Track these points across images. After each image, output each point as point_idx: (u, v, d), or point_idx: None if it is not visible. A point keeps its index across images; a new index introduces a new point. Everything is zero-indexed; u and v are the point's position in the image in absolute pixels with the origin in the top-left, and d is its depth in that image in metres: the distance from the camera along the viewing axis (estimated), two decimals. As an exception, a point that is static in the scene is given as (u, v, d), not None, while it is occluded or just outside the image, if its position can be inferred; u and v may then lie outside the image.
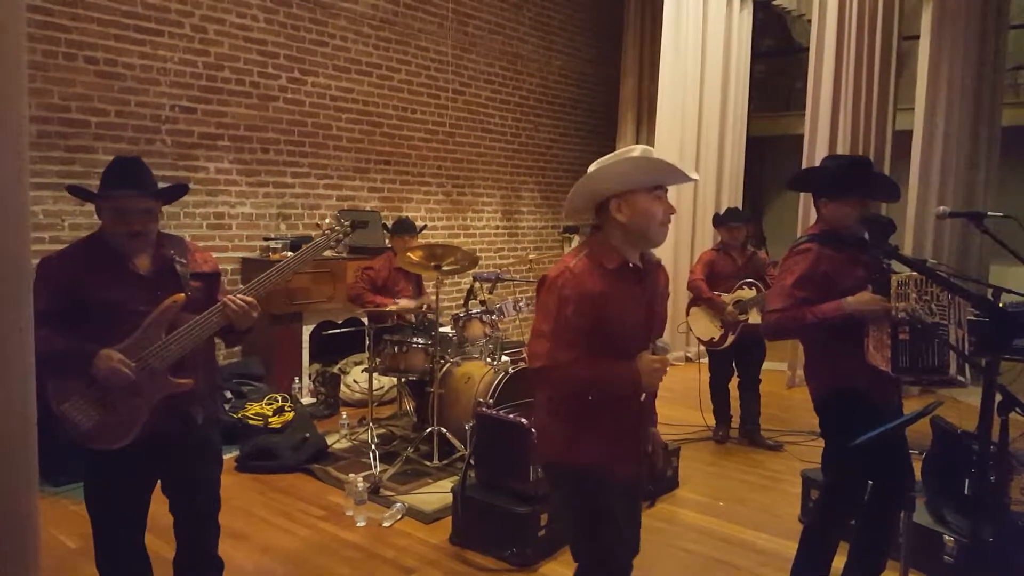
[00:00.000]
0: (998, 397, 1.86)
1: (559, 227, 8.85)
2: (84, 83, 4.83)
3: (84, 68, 4.82)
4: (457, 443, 4.31)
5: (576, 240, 8.38)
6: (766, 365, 5.12)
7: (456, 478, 3.69)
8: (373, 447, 4.36)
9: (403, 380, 5.00)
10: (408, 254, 4.53)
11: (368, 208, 6.63)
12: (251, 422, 4.76)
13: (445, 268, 4.52)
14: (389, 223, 5.41)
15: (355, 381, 5.85)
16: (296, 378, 5.58)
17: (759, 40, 8.83)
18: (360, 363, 5.93)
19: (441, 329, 4.64)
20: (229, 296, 2.25)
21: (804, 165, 6.41)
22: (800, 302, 2.51)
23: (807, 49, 7.03)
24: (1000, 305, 2.09)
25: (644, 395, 2.08)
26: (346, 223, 2.51)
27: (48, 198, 4.64)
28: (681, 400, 5.45)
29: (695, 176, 2.05)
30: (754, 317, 4.73)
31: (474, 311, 4.87)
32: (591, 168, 2.02)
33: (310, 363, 5.82)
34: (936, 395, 4.94)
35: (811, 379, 2.72)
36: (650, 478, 2.28)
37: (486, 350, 4.72)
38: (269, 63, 5.85)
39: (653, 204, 1.99)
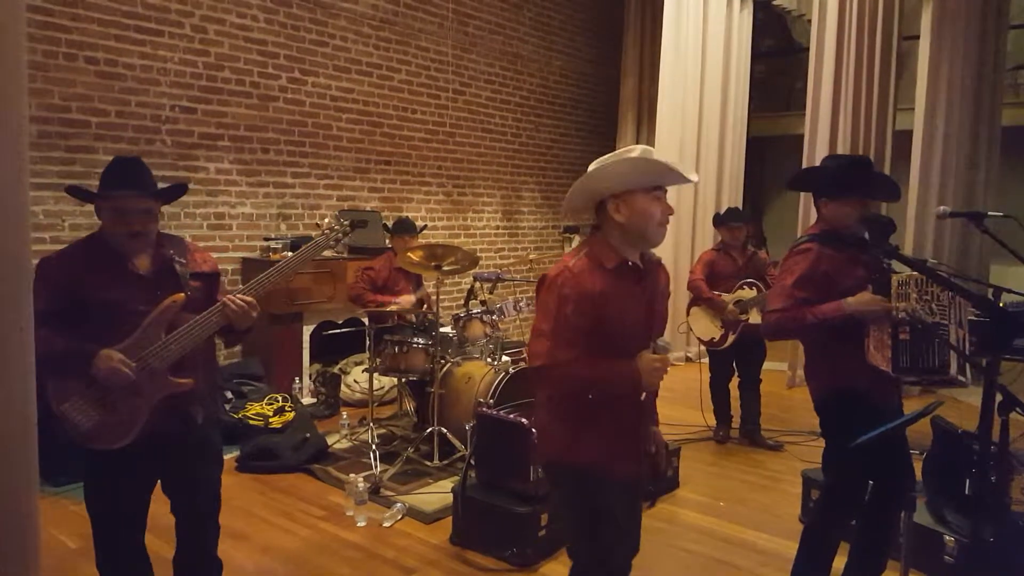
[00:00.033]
0: (998, 397, 1.86)
1: (559, 227, 8.85)
2: (84, 83, 4.83)
3: (84, 68, 4.83)
4: (457, 443, 4.31)
5: (576, 240, 8.38)
6: (766, 365, 5.12)
7: (456, 478, 3.69)
8: (373, 447, 4.37)
9: (403, 380, 5.00)
10: (408, 254, 4.53)
11: (368, 208, 6.63)
12: (252, 422, 4.76)
13: (445, 268, 4.52)
14: (389, 223, 5.41)
15: (355, 381, 5.86)
16: (296, 378, 5.58)
17: (759, 40, 8.83)
18: (360, 363, 5.93)
19: (441, 329, 4.65)
20: (228, 296, 2.25)
21: (804, 165, 6.41)
22: (800, 302, 2.51)
23: (807, 49, 7.03)
24: (1000, 305, 2.10)
25: (644, 394, 2.08)
26: (345, 223, 2.51)
27: (48, 198, 4.64)
28: (682, 400, 5.45)
29: (694, 178, 2.04)
30: (754, 317, 4.73)
31: (474, 311, 4.87)
32: (591, 167, 2.02)
33: (310, 363, 5.82)
34: (936, 395, 4.94)
35: (811, 379, 2.71)
36: (653, 478, 2.28)
37: (486, 350, 4.72)
38: (269, 63, 5.85)
39: (651, 205, 1.99)
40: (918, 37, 6.65)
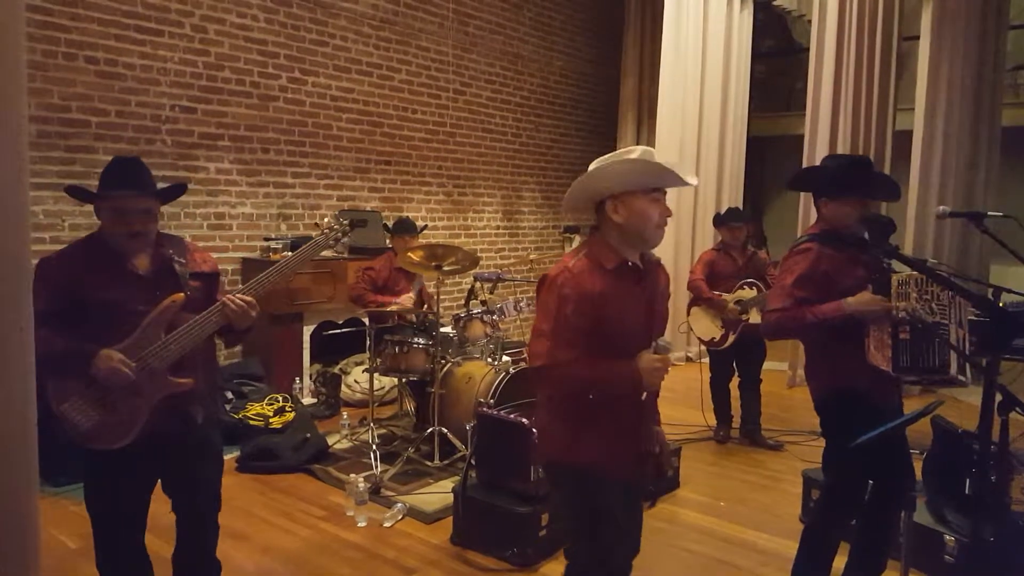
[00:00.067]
0: (998, 397, 1.86)
1: (560, 227, 8.85)
2: (84, 83, 4.83)
3: (84, 68, 4.83)
4: (458, 443, 4.31)
5: (577, 240, 8.38)
6: (767, 365, 5.12)
7: (457, 478, 3.69)
8: (374, 447, 4.37)
9: (404, 380, 5.00)
10: (409, 254, 4.53)
11: (369, 208, 6.63)
12: (252, 422, 4.76)
13: (446, 268, 4.52)
14: (389, 223, 5.41)
15: (356, 381, 5.86)
16: (297, 378, 5.58)
17: (759, 40, 8.83)
18: (361, 363, 5.93)
19: (442, 329, 4.65)
20: (228, 296, 2.25)
21: (804, 165, 6.41)
22: (800, 302, 2.51)
23: (807, 49, 7.03)
24: (1000, 305, 2.09)
25: (645, 394, 2.08)
26: (345, 223, 2.51)
27: (48, 198, 4.64)
28: (682, 400, 5.45)
29: (693, 181, 2.03)
30: (754, 317, 4.73)
31: (475, 311, 4.87)
32: (591, 167, 2.03)
33: (311, 363, 5.82)
34: (936, 395, 4.94)
35: (811, 379, 2.72)
36: (655, 478, 2.28)
37: (487, 350, 4.72)
38: (269, 63, 5.85)
39: (649, 206, 2.00)
40: (918, 37, 6.65)
